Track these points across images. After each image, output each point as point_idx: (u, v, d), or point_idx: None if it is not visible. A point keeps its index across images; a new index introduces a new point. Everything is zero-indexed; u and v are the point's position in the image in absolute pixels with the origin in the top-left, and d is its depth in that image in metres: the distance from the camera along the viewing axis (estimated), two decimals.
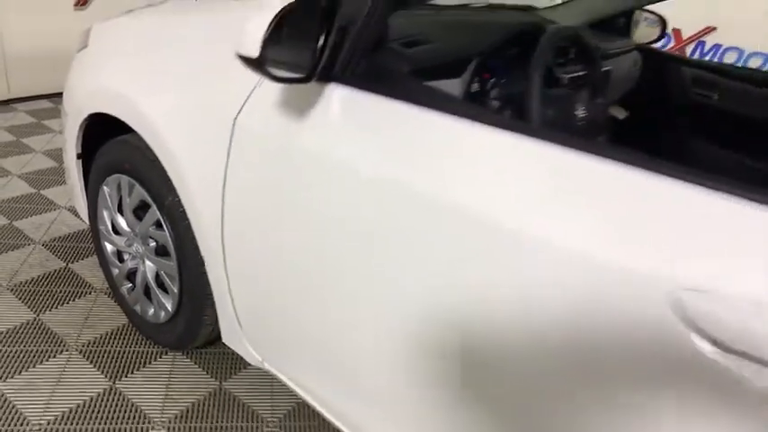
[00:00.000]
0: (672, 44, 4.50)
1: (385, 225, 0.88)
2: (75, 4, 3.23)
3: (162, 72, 1.28)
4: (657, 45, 2.19)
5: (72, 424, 1.32)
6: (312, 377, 1.16)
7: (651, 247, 0.64)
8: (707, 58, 4.42)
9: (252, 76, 0.98)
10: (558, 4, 2.10)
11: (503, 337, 0.77)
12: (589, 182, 0.70)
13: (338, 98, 0.95)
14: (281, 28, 0.82)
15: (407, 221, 0.85)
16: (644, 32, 2.16)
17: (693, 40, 4.40)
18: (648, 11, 2.15)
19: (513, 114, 1.16)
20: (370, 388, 1.02)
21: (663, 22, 2.14)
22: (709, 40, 4.37)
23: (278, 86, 1.00)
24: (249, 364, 1.44)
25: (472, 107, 1.07)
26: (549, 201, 0.72)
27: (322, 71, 0.91)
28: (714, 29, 4.34)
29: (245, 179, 1.09)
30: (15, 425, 1.29)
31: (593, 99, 1.33)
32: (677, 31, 4.45)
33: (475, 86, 1.15)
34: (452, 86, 1.11)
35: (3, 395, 1.36)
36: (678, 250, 0.63)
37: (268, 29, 0.80)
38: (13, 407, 1.34)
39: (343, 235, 0.95)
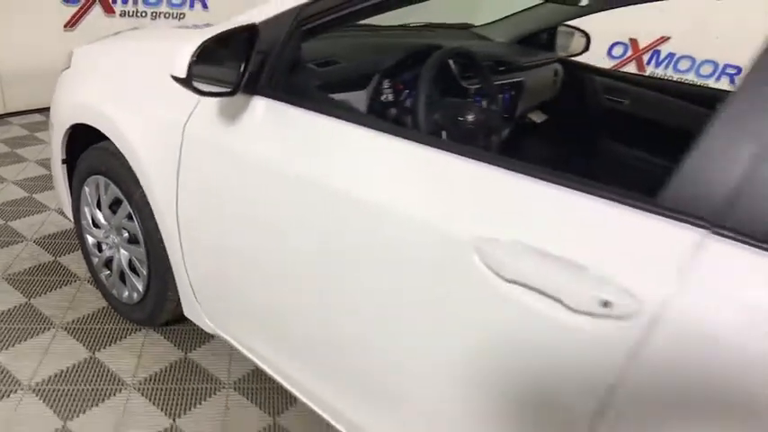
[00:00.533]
0: (629, 53, 4.79)
1: (293, 206, 1.13)
2: (65, 26, 3.51)
3: (130, 89, 1.53)
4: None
5: (57, 384, 1.56)
6: (256, 340, 1.41)
7: (468, 213, 0.89)
8: (662, 65, 4.70)
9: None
10: (492, 22, 2.38)
11: (370, 286, 1.03)
12: (435, 169, 0.95)
13: (261, 108, 1.21)
14: (207, 54, 1.08)
15: (309, 203, 1.10)
16: (576, 45, 2.41)
17: (649, 50, 4.69)
18: (573, 27, 2.41)
19: (402, 121, 1.42)
20: (303, 347, 1.26)
21: (587, 36, 2.40)
22: (664, 49, 4.64)
23: (216, 99, 1.26)
24: (211, 338, 1.69)
25: (361, 114, 1.33)
26: (406, 182, 0.98)
27: (245, 87, 1.17)
28: (668, 38, 4.61)
29: (192, 175, 1.34)
30: (9, 385, 1.54)
31: (489, 106, 1.59)
32: (634, 41, 4.73)
33: (377, 98, 1.41)
34: (358, 98, 1.37)
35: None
36: (484, 215, 0.88)
37: (192, 56, 1.06)
38: (7, 372, 1.58)
39: (267, 218, 1.20)
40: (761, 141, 0.69)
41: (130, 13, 3.78)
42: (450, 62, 1.52)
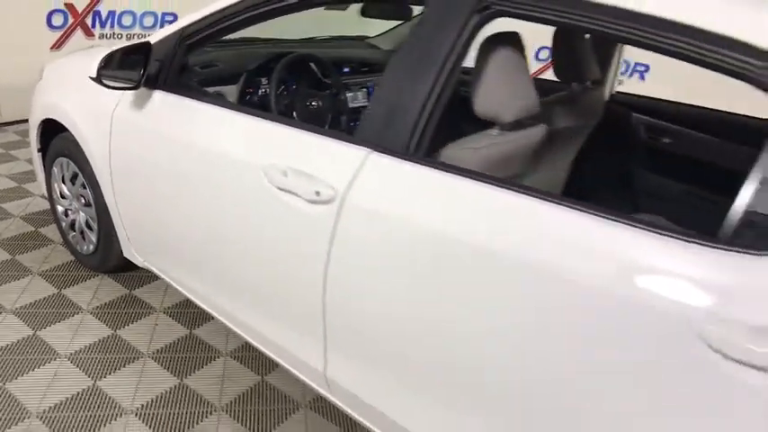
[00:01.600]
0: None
1: (183, 162, 1.69)
2: (51, 48, 4.12)
3: (79, 90, 2.10)
4: None
5: (36, 308, 2.13)
6: (168, 265, 1.96)
7: (262, 151, 1.45)
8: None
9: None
10: (383, 33, 2.95)
11: (224, 211, 1.59)
12: (259, 129, 1.50)
13: (159, 98, 1.77)
14: (112, 62, 1.65)
15: (191, 159, 1.65)
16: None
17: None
18: None
19: (259, 105, 2.01)
20: (200, 267, 1.81)
21: None
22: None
23: (131, 93, 1.83)
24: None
25: (225, 100, 1.90)
26: (240, 138, 1.53)
27: (146, 84, 1.74)
28: None
29: (118, 147, 1.90)
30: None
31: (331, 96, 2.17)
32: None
33: (244, 89, 1.99)
34: (230, 91, 1.95)
35: None
36: (271, 152, 1.43)
37: (100, 63, 1.63)
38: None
39: (167, 173, 1.75)
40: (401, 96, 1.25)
41: (108, 36, 4.39)
42: (312, 65, 2.10)
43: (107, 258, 2.28)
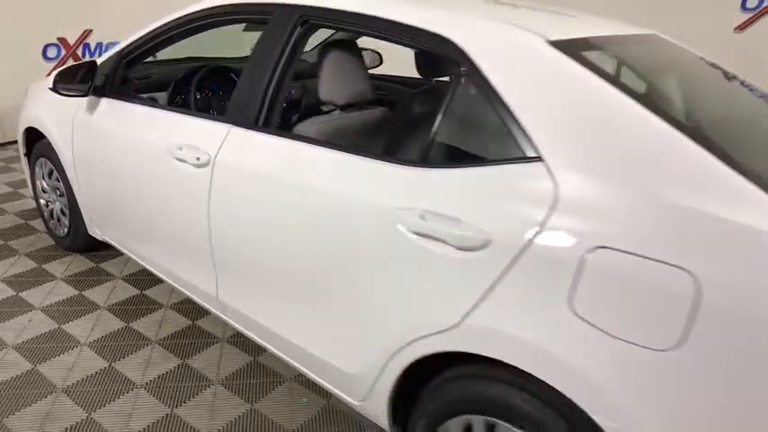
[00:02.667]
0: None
1: (122, 152, 2.21)
2: (47, 76, 4.74)
3: (51, 102, 2.65)
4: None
5: (25, 278, 2.65)
6: (121, 237, 2.48)
7: (174, 136, 1.97)
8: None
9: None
10: (311, 49, 3.47)
11: (160, 191, 2.11)
12: (174, 120, 2.02)
13: (105, 103, 2.31)
14: (65, 76, 2.20)
15: (129, 148, 2.18)
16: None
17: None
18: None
19: (183, 104, 2.54)
20: (146, 236, 2.32)
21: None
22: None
23: (86, 99, 2.36)
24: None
25: (155, 102, 2.43)
26: (162, 128, 2.05)
27: (94, 92, 2.28)
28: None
29: (78, 145, 2.45)
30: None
31: None
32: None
33: (172, 94, 2.52)
34: (161, 97, 2.48)
35: None
36: (180, 137, 1.95)
37: (55, 77, 2.18)
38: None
39: (112, 161, 2.28)
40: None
41: None
42: (233, 75, 2.64)
43: (77, 238, 2.81)
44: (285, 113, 2.73)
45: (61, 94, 2.27)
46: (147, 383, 2.04)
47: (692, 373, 1.00)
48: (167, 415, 1.91)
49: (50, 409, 1.89)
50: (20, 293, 2.55)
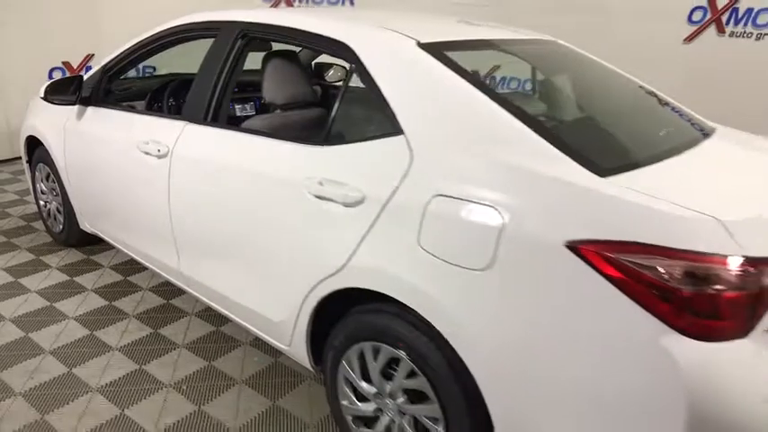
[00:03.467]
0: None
1: (104, 151, 2.59)
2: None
3: (47, 114, 3.05)
4: None
5: (26, 269, 3.02)
6: (107, 228, 2.84)
7: (142, 132, 2.33)
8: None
9: (69, 107, 2.74)
10: None
11: (137, 182, 2.47)
12: (150, 122, 2.39)
13: (91, 110, 2.69)
14: (54, 88, 2.59)
15: (113, 150, 2.55)
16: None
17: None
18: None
19: (156, 110, 2.91)
20: (125, 226, 2.69)
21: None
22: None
23: (75, 108, 2.75)
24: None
25: (134, 108, 2.80)
26: (139, 127, 2.42)
27: (81, 102, 2.67)
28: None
29: (70, 148, 2.82)
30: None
31: None
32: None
33: (150, 102, 2.90)
34: (140, 105, 2.86)
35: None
36: (149, 133, 2.32)
37: (45, 88, 2.57)
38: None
39: (98, 161, 2.65)
40: None
41: None
42: None
43: (71, 233, 3.18)
44: (246, 114, 3.11)
45: (52, 103, 2.66)
46: (122, 347, 2.38)
47: (501, 285, 1.32)
48: (136, 370, 2.26)
49: (38, 365, 2.23)
50: (18, 279, 2.91)
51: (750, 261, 1.15)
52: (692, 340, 1.15)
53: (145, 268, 2.63)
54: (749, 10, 4.28)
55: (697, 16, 4.55)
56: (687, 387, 1.14)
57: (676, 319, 1.15)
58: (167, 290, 2.84)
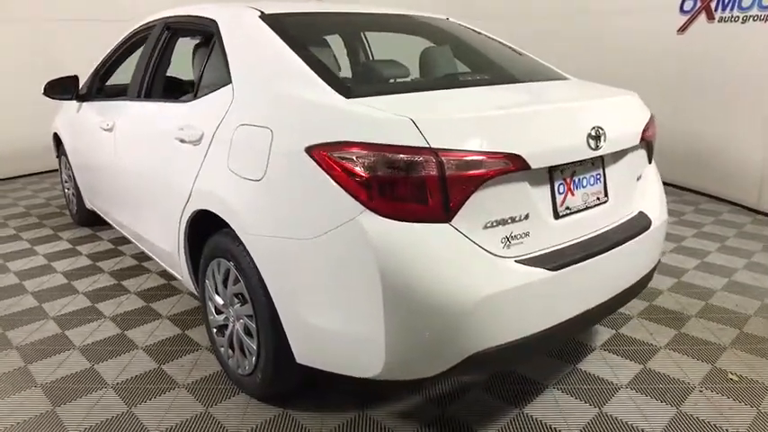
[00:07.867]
0: None
1: (96, 135, 3.14)
2: None
3: (61, 113, 3.69)
4: None
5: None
6: (100, 204, 3.39)
7: (114, 117, 2.86)
8: None
9: (75, 103, 3.36)
10: None
11: (117, 166, 3.00)
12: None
13: (86, 105, 3.28)
14: (53, 86, 3.21)
15: (91, 132, 3.11)
16: None
17: None
18: None
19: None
20: (113, 203, 3.23)
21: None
22: None
23: (75, 104, 3.35)
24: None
25: (107, 98, 3.34)
26: (124, 116, 2.96)
27: (78, 98, 3.26)
28: None
29: (74, 136, 3.43)
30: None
31: None
32: None
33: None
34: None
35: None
36: (117, 116, 2.83)
37: (45, 86, 3.19)
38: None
39: (93, 147, 3.22)
40: None
41: None
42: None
43: (81, 212, 3.79)
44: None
45: (51, 98, 3.28)
46: (115, 316, 2.64)
47: (268, 190, 1.61)
48: (126, 343, 2.71)
49: (39, 327, 2.68)
50: (33, 246, 3.53)
51: (432, 151, 1.37)
52: (384, 219, 1.38)
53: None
54: None
55: (688, 5, 4.51)
56: (378, 258, 1.37)
57: (370, 201, 1.39)
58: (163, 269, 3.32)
